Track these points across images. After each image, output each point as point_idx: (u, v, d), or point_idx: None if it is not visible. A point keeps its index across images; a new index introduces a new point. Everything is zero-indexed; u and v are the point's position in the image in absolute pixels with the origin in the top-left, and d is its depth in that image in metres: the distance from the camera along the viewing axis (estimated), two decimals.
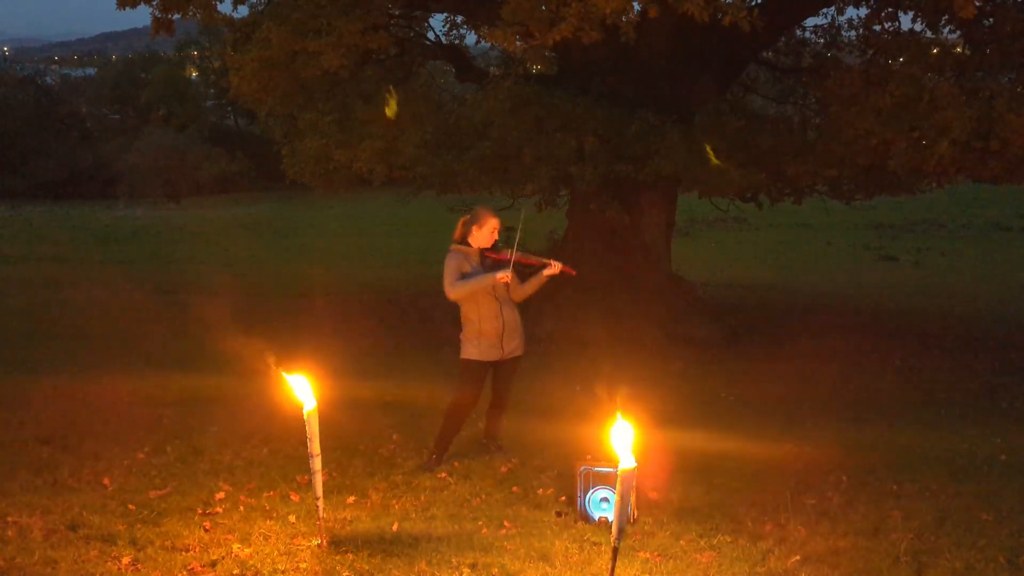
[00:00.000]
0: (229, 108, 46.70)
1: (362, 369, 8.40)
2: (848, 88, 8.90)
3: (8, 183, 39.18)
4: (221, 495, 5.23)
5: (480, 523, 4.93)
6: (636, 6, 7.42)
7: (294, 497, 5.25)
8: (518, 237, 5.62)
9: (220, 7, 9.43)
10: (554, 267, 5.64)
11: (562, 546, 4.64)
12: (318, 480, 4.55)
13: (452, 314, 6.11)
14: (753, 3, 9.55)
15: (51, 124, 42.31)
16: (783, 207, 12.36)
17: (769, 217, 18.87)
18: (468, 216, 5.74)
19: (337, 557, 4.46)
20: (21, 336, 10.51)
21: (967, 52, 9.37)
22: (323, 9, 8.87)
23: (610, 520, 4.77)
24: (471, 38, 12.53)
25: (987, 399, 8.36)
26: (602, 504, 5.00)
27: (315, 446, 4.51)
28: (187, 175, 38.38)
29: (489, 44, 10.93)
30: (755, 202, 11.69)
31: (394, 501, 5.26)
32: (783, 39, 11.87)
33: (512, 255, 5.59)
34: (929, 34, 9.28)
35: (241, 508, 5.06)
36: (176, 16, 9.76)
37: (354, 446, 6.17)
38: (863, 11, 10.51)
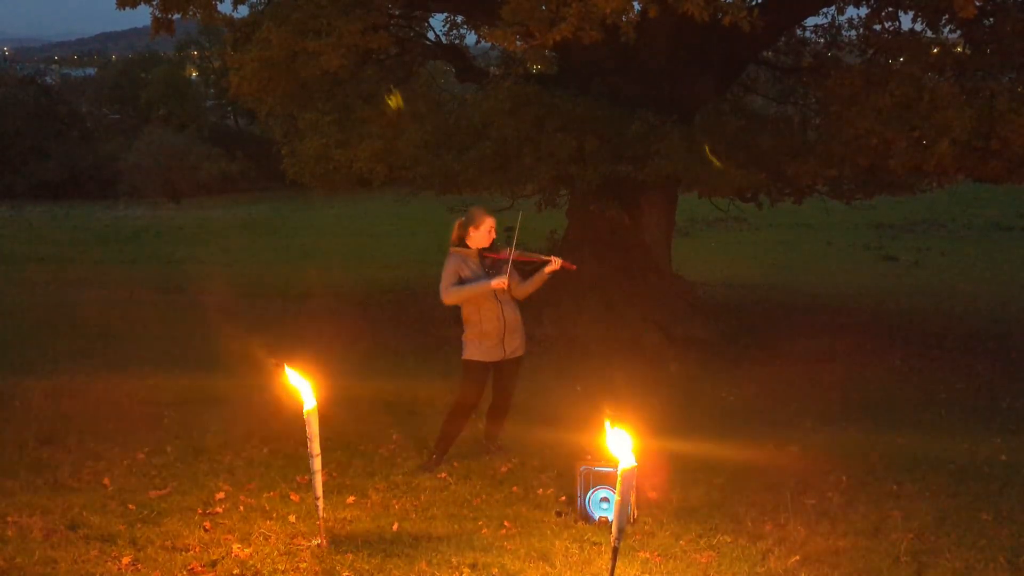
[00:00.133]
0: (229, 108, 46.75)
1: (362, 369, 8.40)
2: (848, 88, 8.89)
3: (8, 183, 39.18)
4: (221, 495, 5.23)
5: (480, 523, 4.93)
6: (636, 6, 7.41)
7: (294, 497, 5.25)
8: (516, 236, 5.62)
9: (220, 7, 9.43)
10: (554, 263, 5.63)
11: (562, 546, 4.64)
12: (318, 480, 4.55)
13: (452, 314, 6.12)
14: (753, 3, 9.54)
15: (51, 124, 42.27)
16: (783, 207, 12.36)
17: (769, 217, 18.87)
18: (463, 218, 5.73)
19: (337, 557, 4.46)
20: (21, 336, 10.50)
21: (967, 52, 9.37)
22: (323, 9, 8.86)
23: (610, 520, 4.76)
24: (471, 38, 12.54)
25: (987, 399, 8.35)
26: (602, 504, 5.00)
27: (315, 446, 4.51)
28: (187, 175, 38.36)
29: (489, 44, 10.94)
30: (755, 202, 11.69)
31: (394, 501, 5.26)
32: (783, 39, 11.86)
33: (511, 253, 5.59)
34: (929, 34, 9.29)
35: (241, 508, 5.06)
36: (176, 16, 9.76)
37: (354, 446, 6.18)
38: (863, 11, 10.52)
